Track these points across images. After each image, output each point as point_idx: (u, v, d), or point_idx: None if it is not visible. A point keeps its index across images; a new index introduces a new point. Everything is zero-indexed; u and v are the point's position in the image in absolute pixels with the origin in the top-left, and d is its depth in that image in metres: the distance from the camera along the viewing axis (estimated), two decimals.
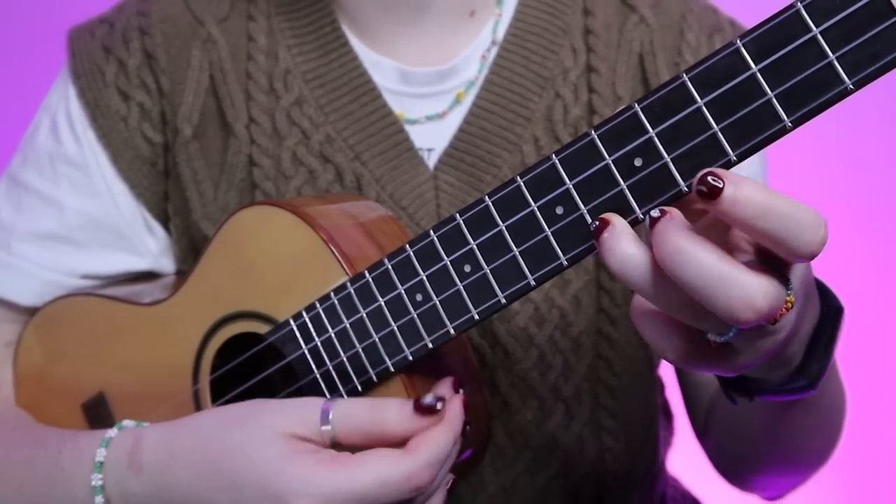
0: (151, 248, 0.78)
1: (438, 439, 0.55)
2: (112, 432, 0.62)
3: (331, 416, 0.55)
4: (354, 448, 0.55)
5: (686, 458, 0.90)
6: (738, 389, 0.59)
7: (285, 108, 0.74)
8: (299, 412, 0.56)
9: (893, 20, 0.41)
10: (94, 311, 0.74)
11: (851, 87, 0.42)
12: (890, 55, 0.41)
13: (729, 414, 0.75)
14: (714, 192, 0.42)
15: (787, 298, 0.45)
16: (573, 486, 0.77)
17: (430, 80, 0.75)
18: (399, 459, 0.53)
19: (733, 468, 0.82)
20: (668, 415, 0.88)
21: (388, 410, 0.55)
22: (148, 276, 0.80)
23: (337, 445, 0.55)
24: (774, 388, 0.57)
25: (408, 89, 0.75)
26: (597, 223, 0.46)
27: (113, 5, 0.81)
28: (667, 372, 0.86)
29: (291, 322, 0.61)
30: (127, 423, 0.63)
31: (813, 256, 0.43)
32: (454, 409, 0.57)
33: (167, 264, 0.79)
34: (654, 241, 0.44)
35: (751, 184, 0.42)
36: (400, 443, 0.55)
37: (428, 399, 0.54)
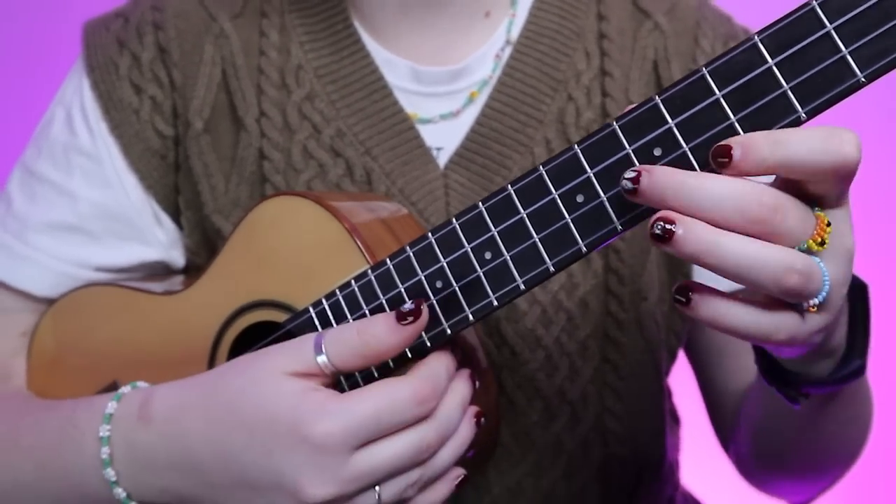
0: (161, 239, 0.80)
1: (430, 362, 0.58)
2: (125, 389, 0.63)
3: (323, 346, 0.56)
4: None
5: (690, 462, 0.91)
6: (791, 387, 0.60)
7: (296, 103, 0.76)
8: (294, 350, 0.57)
9: None
10: (112, 300, 0.75)
11: (864, 80, 0.45)
12: None
13: (767, 414, 0.75)
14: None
15: (818, 216, 0.47)
16: (578, 490, 0.78)
17: (442, 80, 0.77)
18: (401, 379, 0.56)
19: (763, 471, 0.82)
20: (675, 420, 0.89)
21: (377, 327, 0.56)
22: (163, 271, 0.81)
23: (338, 375, 0.57)
24: (828, 380, 0.59)
25: (420, 88, 0.77)
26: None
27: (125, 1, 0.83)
28: (674, 379, 0.87)
29: (311, 309, 0.63)
30: (140, 383, 0.64)
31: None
32: (442, 350, 0.59)
33: (177, 256, 0.81)
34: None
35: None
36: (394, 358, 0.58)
37: (407, 305, 0.56)
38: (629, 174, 0.47)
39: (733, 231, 0.46)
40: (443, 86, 0.77)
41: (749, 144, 0.45)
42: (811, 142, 0.45)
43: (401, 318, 0.56)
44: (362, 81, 0.77)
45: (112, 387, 0.75)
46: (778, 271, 0.45)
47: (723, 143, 0.46)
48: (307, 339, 0.57)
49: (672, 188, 0.46)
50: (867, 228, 1.53)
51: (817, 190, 0.47)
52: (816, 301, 0.48)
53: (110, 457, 0.61)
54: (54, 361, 0.78)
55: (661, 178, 0.47)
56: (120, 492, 0.61)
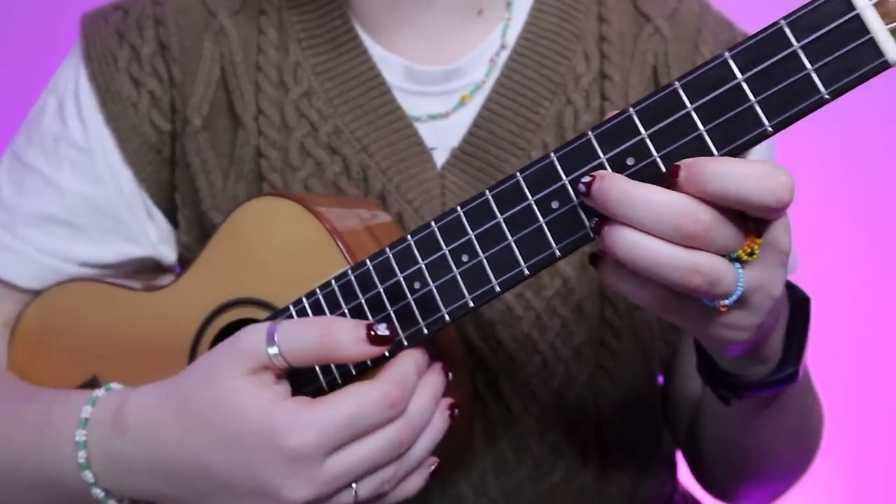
0: (151, 235, 0.80)
1: (399, 363, 0.59)
2: (99, 392, 0.64)
3: (277, 338, 0.57)
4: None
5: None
6: (726, 388, 0.63)
7: (294, 101, 0.76)
8: (245, 344, 0.58)
9: (865, 38, 0.46)
10: (95, 296, 0.76)
11: (827, 96, 0.47)
12: (863, 69, 0.46)
13: (713, 420, 0.78)
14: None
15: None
16: (576, 495, 0.79)
17: (436, 80, 0.77)
18: (370, 384, 0.58)
19: (715, 477, 0.85)
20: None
21: (340, 333, 0.57)
22: (151, 267, 0.82)
23: (290, 370, 0.59)
24: (761, 383, 0.62)
25: (413, 87, 0.77)
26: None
27: None
28: None
29: (291, 308, 0.64)
30: (115, 385, 0.65)
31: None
32: (413, 350, 0.60)
33: (167, 252, 0.81)
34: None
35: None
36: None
37: (381, 329, 0.57)
38: (586, 179, 0.51)
39: (668, 241, 0.49)
40: (436, 85, 0.77)
41: (694, 170, 0.48)
42: (750, 179, 0.48)
43: (369, 337, 0.57)
44: (360, 79, 0.77)
45: (92, 382, 0.75)
46: (683, 273, 0.49)
47: (678, 163, 0.49)
48: (260, 329, 0.58)
49: (616, 196, 0.49)
50: (867, 228, 1.55)
51: (753, 216, 0.50)
52: (726, 302, 0.51)
53: (87, 460, 0.62)
54: (37, 355, 0.78)
55: (608, 186, 0.49)
56: (98, 492, 0.62)
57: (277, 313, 0.65)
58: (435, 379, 0.61)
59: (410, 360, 0.60)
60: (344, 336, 0.57)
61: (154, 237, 0.80)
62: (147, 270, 0.82)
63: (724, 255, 0.50)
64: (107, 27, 0.79)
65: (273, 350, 0.57)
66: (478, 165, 0.76)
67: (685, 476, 0.93)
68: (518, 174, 0.55)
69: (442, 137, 0.77)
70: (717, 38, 0.79)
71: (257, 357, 0.57)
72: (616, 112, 0.52)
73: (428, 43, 0.77)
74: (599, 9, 0.78)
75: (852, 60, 0.46)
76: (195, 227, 0.79)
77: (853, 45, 0.46)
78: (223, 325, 0.69)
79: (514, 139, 0.76)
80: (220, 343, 0.60)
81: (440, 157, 0.77)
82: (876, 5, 0.46)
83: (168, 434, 0.60)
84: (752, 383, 0.63)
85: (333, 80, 0.77)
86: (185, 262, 0.82)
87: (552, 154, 0.54)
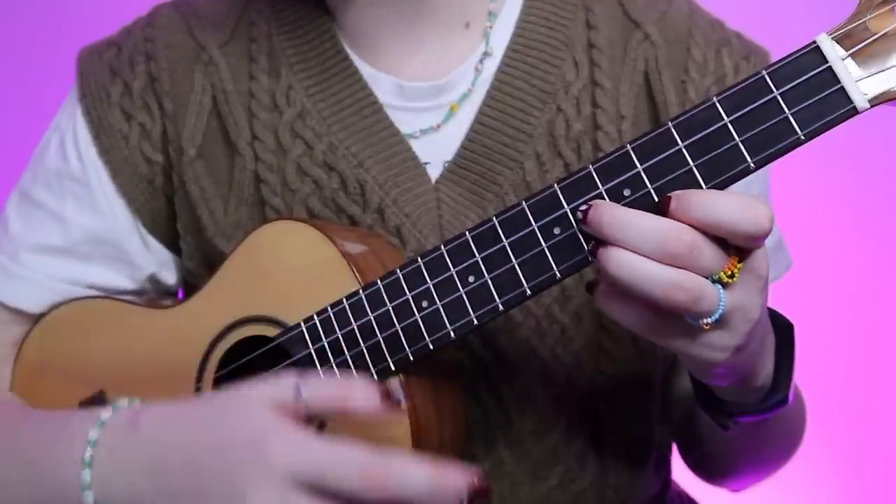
0: (149, 260, 0.83)
1: (405, 465, 0.53)
2: (123, 402, 0.66)
3: (303, 395, 0.57)
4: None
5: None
6: (723, 415, 0.69)
7: (288, 122, 0.78)
8: (274, 388, 0.58)
9: (836, 87, 0.53)
10: (104, 312, 0.80)
11: (803, 137, 0.54)
12: (834, 114, 0.53)
13: (709, 432, 0.83)
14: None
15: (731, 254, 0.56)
16: (573, 498, 0.81)
17: (426, 95, 0.79)
18: (371, 452, 0.54)
19: (706, 465, 0.91)
20: (667, 416, 0.92)
21: (357, 392, 0.56)
22: (154, 290, 0.86)
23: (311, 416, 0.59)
24: (755, 409, 0.68)
25: (404, 104, 0.79)
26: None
27: (121, 27, 0.87)
28: None
29: (302, 324, 0.68)
30: (138, 400, 0.67)
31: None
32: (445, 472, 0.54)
33: (167, 276, 0.85)
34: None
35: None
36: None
37: (395, 392, 0.59)
38: (583, 207, 0.57)
39: (655, 260, 0.54)
40: (426, 101, 0.79)
41: (685, 200, 0.55)
42: (733, 208, 0.54)
43: (383, 395, 0.56)
44: (352, 98, 0.79)
45: (99, 396, 0.78)
46: (667, 287, 0.54)
47: (669, 194, 0.55)
48: (286, 381, 0.58)
49: (608, 222, 0.55)
50: (867, 228, 1.58)
51: (736, 244, 0.56)
52: (708, 320, 0.56)
53: (91, 458, 0.63)
54: (42, 371, 0.81)
55: (602, 212, 0.56)
56: (89, 495, 0.63)
57: (288, 330, 0.69)
58: (455, 481, 0.54)
59: (421, 471, 0.53)
60: (359, 394, 0.56)
61: (152, 264, 0.84)
62: (151, 292, 0.85)
63: (707, 277, 0.55)
64: (101, 64, 0.83)
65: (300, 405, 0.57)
66: (472, 178, 0.78)
67: (681, 475, 0.96)
68: (524, 202, 0.60)
69: (435, 152, 0.79)
70: (708, 38, 0.80)
71: (282, 396, 0.57)
72: (615, 148, 0.58)
73: (417, 59, 0.79)
74: (587, 16, 0.79)
75: (825, 107, 0.53)
76: (197, 253, 0.82)
77: (826, 93, 0.53)
78: (234, 341, 0.72)
79: (507, 150, 0.77)
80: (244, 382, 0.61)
81: (434, 171, 0.79)
82: (845, 59, 0.53)
83: (173, 434, 0.61)
84: (746, 410, 0.68)
85: (326, 101, 0.79)
86: (188, 286, 0.85)
87: (555, 185, 0.59)
